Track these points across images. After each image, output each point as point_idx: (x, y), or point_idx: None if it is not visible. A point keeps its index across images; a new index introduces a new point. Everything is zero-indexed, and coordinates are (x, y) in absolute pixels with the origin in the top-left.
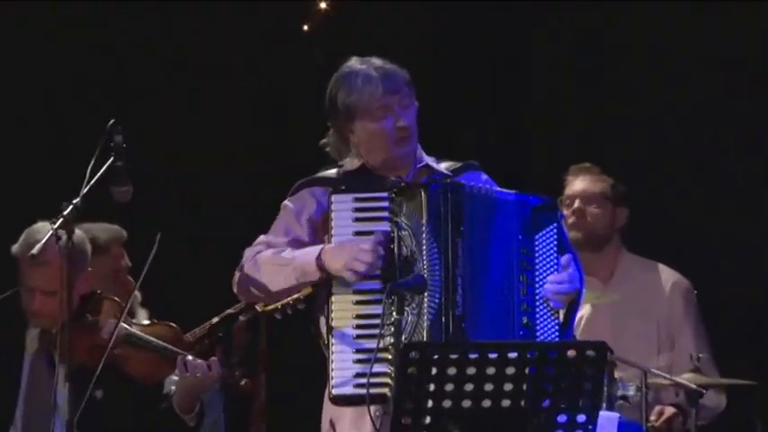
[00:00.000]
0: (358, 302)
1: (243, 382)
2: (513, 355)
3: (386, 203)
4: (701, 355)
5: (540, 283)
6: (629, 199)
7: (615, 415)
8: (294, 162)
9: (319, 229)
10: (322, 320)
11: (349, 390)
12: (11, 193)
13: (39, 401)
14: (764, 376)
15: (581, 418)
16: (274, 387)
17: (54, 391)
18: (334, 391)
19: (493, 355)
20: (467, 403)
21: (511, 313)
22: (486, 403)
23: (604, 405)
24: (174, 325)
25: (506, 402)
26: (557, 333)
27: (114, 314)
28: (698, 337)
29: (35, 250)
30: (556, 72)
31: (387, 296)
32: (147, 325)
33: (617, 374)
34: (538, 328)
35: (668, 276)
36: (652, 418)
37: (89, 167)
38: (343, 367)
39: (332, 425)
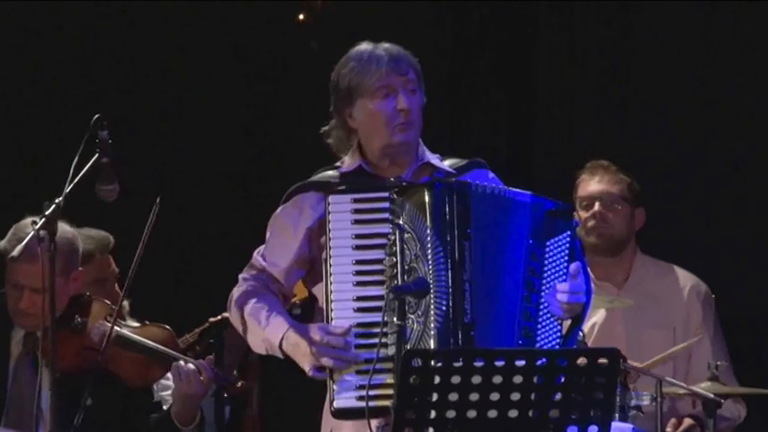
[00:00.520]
0: (359, 309)
1: (238, 384)
2: (520, 363)
3: (386, 204)
4: (719, 363)
5: (547, 291)
6: (645, 198)
7: (629, 426)
8: (292, 162)
9: (314, 237)
10: None
11: (351, 402)
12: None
13: (23, 407)
14: None
15: (592, 429)
16: (268, 396)
17: (38, 396)
18: (335, 405)
19: (499, 363)
20: (471, 413)
21: (512, 321)
22: (492, 414)
23: (617, 416)
24: (167, 327)
25: (513, 413)
26: (557, 345)
27: (104, 316)
28: (716, 345)
29: (15, 252)
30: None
31: (388, 300)
32: (140, 326)
33: (630, 383)
34: (538, 338)
35: (686, 280)
36: (668, 429)
37: (73, 164)
38: (344, 378)
39: None
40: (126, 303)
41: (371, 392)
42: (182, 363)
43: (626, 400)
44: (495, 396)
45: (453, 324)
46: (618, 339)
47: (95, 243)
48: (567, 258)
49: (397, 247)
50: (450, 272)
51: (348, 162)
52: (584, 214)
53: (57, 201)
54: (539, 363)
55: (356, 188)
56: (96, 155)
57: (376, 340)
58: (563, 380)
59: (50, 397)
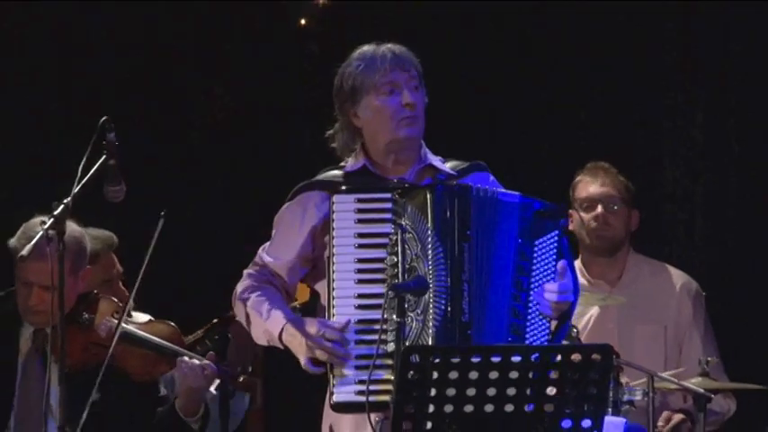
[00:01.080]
0: (360, 306)
1: (241, 378)
2: (516, 358)
3: (389, 204)
4: (709, 359)
5: (535, 289)
6: (638, 199)
7: (621, 420)
8: (293, 162)
9: (318, 235)
10: None
11: (350, 397)
12: (8, 189)
13: (32, 403)
14: None
15: (586, 423)
16: (271, 391)
17: (47, 392)
18: (334, 399)
19: (496, 359)
20: (469, 408)
21: (503, 318)
22: (489, 408)
23: (610, 410)
24: (172, 324)
25: (509, 407)
26: (546, 342)
27: (110, 313)
28: (706, 341)
29: (25, 251)
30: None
31: (388, 298)
32: (146, 323)
33: (623, 379)
34: (527, 335)
35: (677, 278)
36: (659, 423)
37: (80, 166)
38: (343, 373)
39: (331, 431)
40: (132, 303)
41: (371, 387)
42: (186, 358)
43: (619, 395)
44: (491, 391)
45: (451, 323)
46: (610, 336)
47: (101, 243)
48: (555, 257)
49: (399, 247)
50: (449, 272)
51: (352, 162)
52: (584, 215)
53: (65, 201)
54: (534, 358)
55: (360, 188)
56: (104, 156)
57: (376, 336)
58: (557, 375)
59: (60, 393)
